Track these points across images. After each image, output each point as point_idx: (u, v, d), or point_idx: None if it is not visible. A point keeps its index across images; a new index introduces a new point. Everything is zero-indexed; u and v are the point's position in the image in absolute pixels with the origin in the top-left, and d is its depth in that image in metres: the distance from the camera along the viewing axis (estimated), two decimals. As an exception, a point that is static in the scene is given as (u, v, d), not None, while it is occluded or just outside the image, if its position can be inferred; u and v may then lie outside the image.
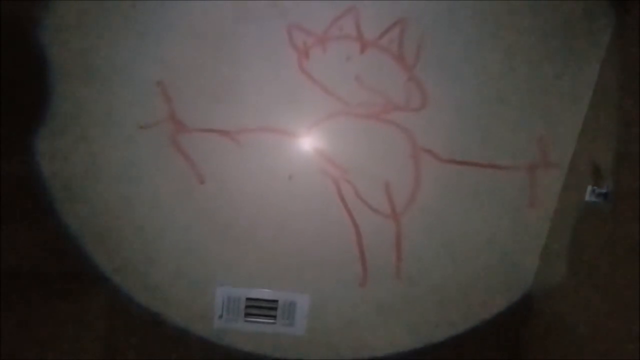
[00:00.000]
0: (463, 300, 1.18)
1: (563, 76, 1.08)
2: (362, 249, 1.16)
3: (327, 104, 1.10)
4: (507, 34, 1.07)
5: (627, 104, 0.95)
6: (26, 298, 1.15)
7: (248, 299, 1.19)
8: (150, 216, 1.15)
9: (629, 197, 0.89)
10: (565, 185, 1.11)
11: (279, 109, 1.11)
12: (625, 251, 0.87)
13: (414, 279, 1.17)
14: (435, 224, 1.15)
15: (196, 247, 1.16)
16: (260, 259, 1.17)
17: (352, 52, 1.08)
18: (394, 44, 1.08)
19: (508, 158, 1.11)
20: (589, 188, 0.98)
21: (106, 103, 1.09)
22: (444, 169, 1.12)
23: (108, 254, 1.16)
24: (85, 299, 1.18)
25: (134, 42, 1.07)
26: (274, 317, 1.20)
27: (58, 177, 1.12)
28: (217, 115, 1.11)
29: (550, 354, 1.08)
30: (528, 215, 1.13)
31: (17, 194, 1.11)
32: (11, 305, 1.14)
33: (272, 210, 1.15)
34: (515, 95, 1.09)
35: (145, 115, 1.10)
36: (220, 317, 1.19)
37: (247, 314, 1.20)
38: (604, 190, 0.96)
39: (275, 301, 1.19)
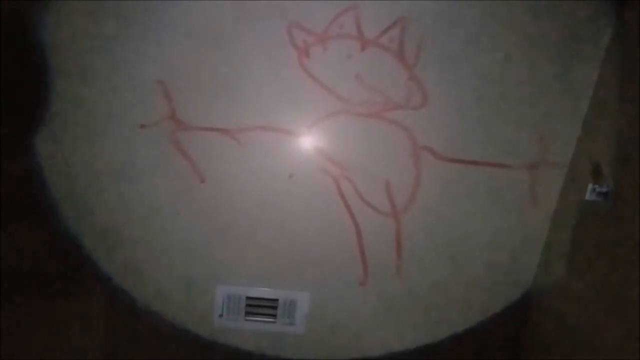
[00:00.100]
0: (463, 299, 1.18)
1: (563, 76, 1.08)
2: (363, 248, 1.16)
3: (328, 103, 1.10)
4: (507, 33, 1.07)
5: (627, 104, 0.95)
6: (26, 298, 1.15)
7: (248, 298, 1.19)
8: (151, 215, 1.15)
9: (629, 196, 0.89)
10: (566, 184, 1.11)
11: (280, 108, 1.11)
12: (625, 251, 0.88)
13: (414, 278, 1.17)
14: (435, 223, 1.15)
15: (196, 245, 1.16)
16: (260, 257, 1.17)
17: (352, 51, 1.08)
18: (394, 43, 1.08)
19: (508, 157, 1.11)
20: (590, 187, 0.98)
21: (106, 102, 1.09)
22: (445, 167, 1.12)
23: (108, 254, 1.16)
24: (85, 299, 1.18)
25: (135, 41, 1.07)
26: (274, 316, 1.20)
27: (58, 176, 1.12)
28: (217, 114, 1.11)
29: (550, 353, 1.08)
30: (528, 214, 1.14)
31: (17, 194, 1.11)
32: (11, 305, 1.14)
33: (272, 209, 1.15)
34: (515, 94, 1.09)
35: (146, 114, 1.10)
36: (221, 316, 1.20)
37: (247, 313, 1.20)
38: (604, 190, 0.96)
39: (276, 300, 1.19)
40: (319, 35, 1.08)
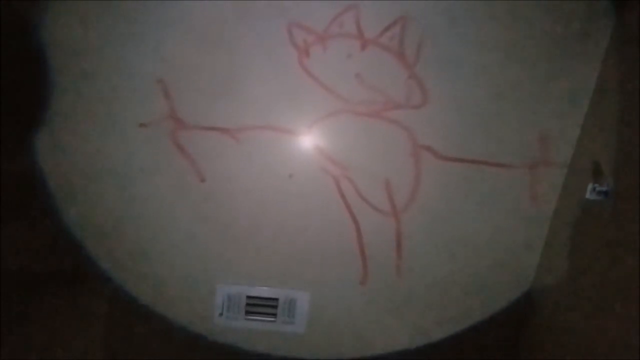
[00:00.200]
0: (463, 298, 1.18)
1: (563, 75, 1.08)
2: (363, 247, 1.16)
3: (328, 102, 1.10)
4: (507, 33, 1.07)
5: (627, 104, 0.95)
6: (26, 298, 1.15)
7: (248, 297, 1.19)
8: (151, 214, 1.15)
9: (630, 196, 0.89)
10: (566, 183, 1.11)
11: (280, 107, 1.11)
12: (625, 250, 0.88)
13: (414, 277, 1.17)
14: (435, 222, 1.15)
15: (196, 245, 1.16)
16: (260, 257, 1.17)
17: (352, 50, 1.08)
18: (394, 42, 1.08)
19: (509, 156, 1.11)
20: (590, 186, 0.98)
21: (106, 101, 1.09)
22: (445, 167, 1.12)
23: (108, 253, 1.16)
24: (85, 299, 1.18)
25: (134, 40, 1.07)
26: (275, 315, 1.20)
27: (58, 176, 1.12)
28: (217, 113, 1.11)
29: (550, 353, 1.08)
30: (528, 214, 1.14)
31: (17, 194, 1.11)
32: (11, 305, 1.14)
33: (272, 208, 1.15)
34: (515, 93, 1.09)
35: (146, 113, 1.10)
36: (221, 315, 1.20)
37: (247, 312, 1.20)
38: (604, 189, 0.96)
39: (276, 299, 1.19)
40: (319, 35, 1.08)
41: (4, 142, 1.09)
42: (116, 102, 1.09)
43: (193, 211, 1.15)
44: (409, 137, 1.11)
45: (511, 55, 1.08)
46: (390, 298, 1.19)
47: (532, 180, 1.12)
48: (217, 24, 1.07)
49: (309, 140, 1.12)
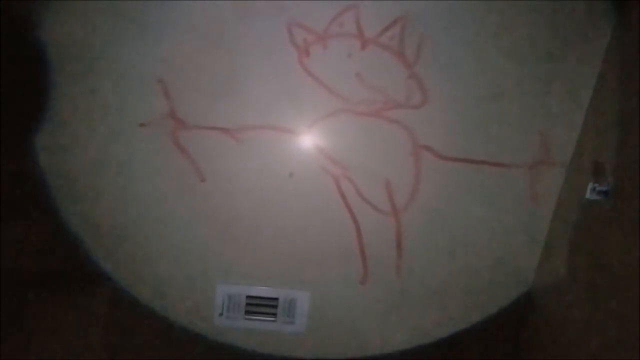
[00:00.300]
0: (463, 298, 1.18)
1: (563, 75, 1.08)
2: (363, 247, 1.16)
3: (328, 102, 1.10)
4: (507, 32, 1.07)
5: (627, 104, 0.95)
6: (26, 298, 1.15)
7: (248, 297, 1.19)
8: (151, 214, 1.15)
9: (630, 196, 0.89)
10: (566, 183, 1.11)
11: (280, 107, 1.11)
12: (626, 250, 0.88)
13: (414, 277, 1.17)
14: (435, 222, 1.15)
15: (196, 245, 1.16)
16: (260, 256, 1.17)
17: (352, 50, 1.08)
18: (394, 42, 1.08)
19: (509, 155, 1.11)
20: (590, 185, 0.98)
21: (106, 101, 1.09)
22: (445, 166, 1.12)
23: (108, 253, 1.16)
24: (86, 298, 1.18)
25: (135, 40, 1.07)
26: (275, 314, 1.20)
27: (58, 175, 1.12)
28: (217, 113, 1.11)
29: (550, 353, 1.08)
30: (528, 213, 1.14)
31: (17, 194, 1.11)
32: (11, 305, 1.14)
33: (272, 208, 1.15)
34: (516, 93, 1.09)
35: (146, 113, 1.10)
36: (221, 315, 1.20)
37: (247, 312, 1.20)
38: (604, 188, 0.96)
39: (276, 299, 1.19)
40: (319, 34, 1.08)
41: (4, 142, 1.09)
42: (116, 102, 1.09)
43: (193, 211, 1.15)
44: (409, 136, 1.11)
45: (511, 55, 1.08)
46: (390, 298, 1.19)
47: (532, 180, 1.12)
48: (217, 24, 1.07)
49: (309, 140, 1.12)
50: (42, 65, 1.06)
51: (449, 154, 1.12)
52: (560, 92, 1.08)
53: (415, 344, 1.21)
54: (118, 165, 1.12)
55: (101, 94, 1.09)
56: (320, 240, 1.16)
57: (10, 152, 1.10)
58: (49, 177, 1.11)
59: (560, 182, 1.12)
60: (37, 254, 1.15)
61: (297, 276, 1.18)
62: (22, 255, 1.14)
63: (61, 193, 1.13)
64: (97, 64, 1.08)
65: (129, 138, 1.11)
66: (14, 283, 1.14)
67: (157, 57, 1.08)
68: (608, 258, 0.92)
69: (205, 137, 1.11)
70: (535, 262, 1.16)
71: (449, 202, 1.14)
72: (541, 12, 1.05)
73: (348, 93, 1.10)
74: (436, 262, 1.17)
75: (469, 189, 1.13)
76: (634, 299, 0.82)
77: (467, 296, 1.18)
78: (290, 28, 1.07)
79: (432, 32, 1.07)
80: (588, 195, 0.98)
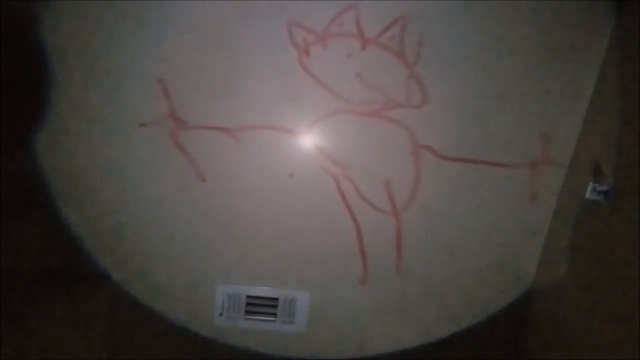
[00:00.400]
0: (463, 298, 1.18)
1: (563, 75, 1.08)
2: (363, 247, 1.16)
3: (328, 102, 1.10)
4: (507, 32, 1.07)
5: (627, 104, 0.95)
6: (26, 298, 1.15)
7: (248, 297, 1.19)
8: (151, 214, 1.15)
9: (630, 196, 0.89)
10: (566, 183, 1.11)
11: (280, 107, 1.11)
12: (626, 250, 0.88)
13: (414, 277, 1.17)
14: (435, 222, 1.15)
15: (196, 245, 1.16)
16: (260, 256, 1.17)
17: (352, 50, 1.08)
18: (394, 42, 1.08)
19: (509, 155, 1.11)
20: (590, 185, 0.98)
21: (106, 101, 1.09)
22: (445, 166, 1.12)
23: (108, 252, 1.16)
24: (86, 298, 1.17)
25: (135, 40, 1.07)
26: (275, 314, 1.20)
27: (58, 175, 1.12)
28: (217, 113, 1.11)
29: (549, 353, 1.08)
30: (529, 213, 1.14)
31: (17, 194, 1.11)
32: (11, 305, 1.14)
33: (272, 207, 1.15)
34: (515, 93, 1.09)
35: (146, 113, 1.10)
36: (221, 315, 1.20)
37: (247, 312, 1.20)
38: (604, 188, 0.96)
39: (276, 299, 1.19)
40: (319, 34, 1.08)
41: (4, 142, 1.09)
42: (116, 102, 1.09)
43: (193, 211, 1.15)
44: (409, 136, 1.11)
45: (511, 55, 1.08)
46: (390, 297, 1.19)
47: (532, 180, 1.12)
48: (217, 24, 1.07)
49: (309, 140, 1.12)
50: (42, 65, 1.06)
51: (449, 154, 1.12)
52: (560, 92, 1.08)
53: (415, 344, 1.21)
54: (118, 165, 1.12)
55: (101, 94, 1.09)
56: (320, 240, 1.16)
57: (10, 152, 1.10)
58: (49, 177, 1.11)
59: (560, 182, 1.12)
60: (37, 254, 1.15)
61: (297, 276, 1.18)
62: (22, 255, 1.14)
63: (61, 193, 1.13)
64: (97, 64, 1.08)
65: (129, 138, 1.11)
66: (13, 283, 1.14)
67: (157, 57, 1.08)
68: (608, 258, 0.92)
69: (205, 137, 1.11)
70: (535, 262, 1.16)
71: (449, 202, 1.14)
72: (541, 12, 1.05)
73: (348, 93, 1.10)
74: (436, 262, 1.17)
75: (469, 189, 1.13)
76: (634, 298, 0.82)
77: (467, 296, 1.18)
78: (290, 28, 1.07)
79: (432, 32, 1.07)
80: (588, 195, 0.98)
